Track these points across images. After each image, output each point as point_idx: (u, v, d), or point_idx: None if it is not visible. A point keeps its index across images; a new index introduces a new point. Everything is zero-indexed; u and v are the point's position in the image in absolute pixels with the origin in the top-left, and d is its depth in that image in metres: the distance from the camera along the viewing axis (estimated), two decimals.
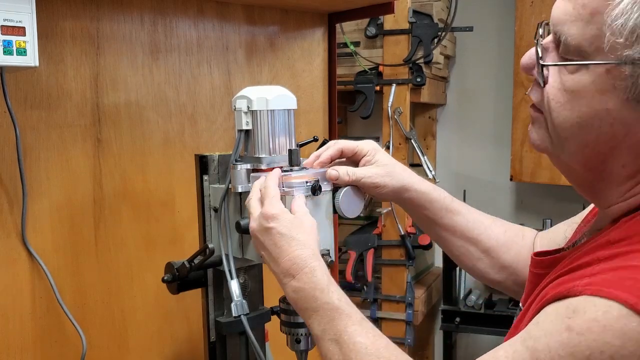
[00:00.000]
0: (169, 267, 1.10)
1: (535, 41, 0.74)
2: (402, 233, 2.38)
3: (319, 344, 0.82)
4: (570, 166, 0.75)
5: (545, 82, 0.72)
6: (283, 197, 0.94)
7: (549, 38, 0.73)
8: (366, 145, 1.02)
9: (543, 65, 0.72)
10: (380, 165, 1.01)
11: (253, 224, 0.91)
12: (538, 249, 1.02)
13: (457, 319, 2.51)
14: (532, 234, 1.08)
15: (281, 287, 0.88)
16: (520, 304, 0.92)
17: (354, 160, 1.03)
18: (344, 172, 0.99)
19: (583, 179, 0.76)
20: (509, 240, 1.06)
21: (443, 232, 1.05)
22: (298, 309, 0.85)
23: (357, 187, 1.01)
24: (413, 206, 1.04)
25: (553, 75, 0.72)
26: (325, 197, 0.99)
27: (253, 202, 0.94)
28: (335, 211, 1.00)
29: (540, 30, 0.75)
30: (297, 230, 0.87)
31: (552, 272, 0.76)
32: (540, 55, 0.73)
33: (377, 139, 2.58)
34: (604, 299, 0.60)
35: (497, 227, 1.07)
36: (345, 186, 1.00)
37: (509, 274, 1.04)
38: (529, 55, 0.75)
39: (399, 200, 1.04)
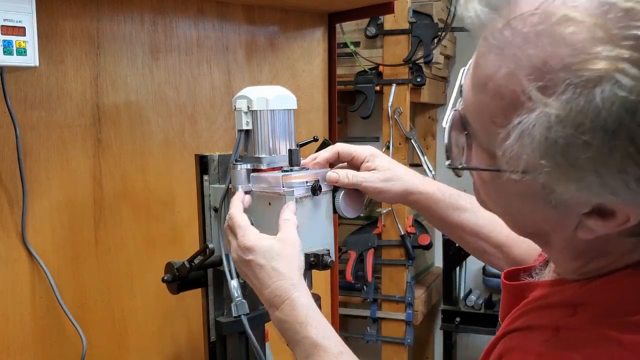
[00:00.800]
0: (169, 267, 1.10)
1: (452, 109, 0.64)
2: (402, 233, 2.38)
3: None
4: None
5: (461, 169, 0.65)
6: (282, 197, 0.94)
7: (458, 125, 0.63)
8: (364, 151, 1.02)
9: (453, 168, 0.65)
10: (381, 170, 1.00)
11: (234, 255, 0.92)
12: None
13: (457, 319, 2.51)
14: None
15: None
16: (500, 319, 0.91)
17: (353, 165, 1.03)
18: (344, 174, 0.98)
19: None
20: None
21: (454, 230, 1.05)
22: (284, 338, 0.86)
23: None
24: (420, 207, 1.04)
25: (474, 157, 0.63)
26: (325, 197, 0.99)
27: (229, 232, 0.95)
28: (335, 211, 1.00)
29: (464, 79, 0.63)
30: (276, 260, 0.87)
31: (517, 308, 0.72)
32: (457, 125, 0.63)
33: (377, 139, 2.58)
34: None
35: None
36: None
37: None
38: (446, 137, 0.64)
39: (405, 202, 1.04)
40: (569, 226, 0.59)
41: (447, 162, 0.65)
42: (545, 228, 0.63)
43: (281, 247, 0.88)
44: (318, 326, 0.83)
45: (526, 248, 1.03)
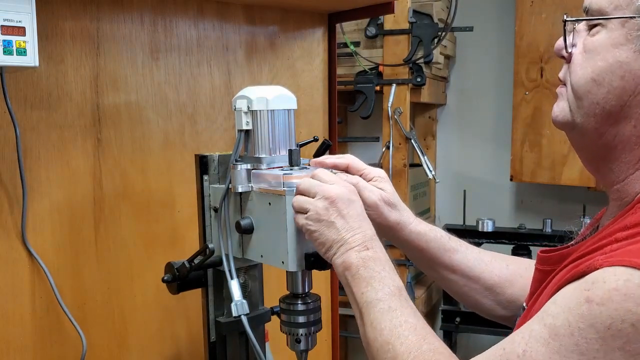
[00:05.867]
0: (169, 267, 1.10)
1: (563, 23, 0.81)
2: None
3: (365, 309, 0.82)
4: (584, 134, 0.78)
5: (570, 57, 0.79)
6: (283, 197, 0.94)
7: (581, 25, 0.80)
8: (374, 171, 1.02)
9: (566, 21, 0.80)
10: (386, 192, 1.01)
11: (338, 190, 0.88)
12: None
13: (457, 319, 2.51)
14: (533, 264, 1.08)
15: (335, 254, 0.87)
16: (524, 304, 0.92)
17: None
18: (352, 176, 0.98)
19: (596, 147, 0.78)
20: (513, 274, 1.05)
21: (443, 272, 1.05)
22: (356, 275, 0.84)
23: None
24: (411, 247, 1.04)
25: (578, 45, 0.79)
26: None
27: (313, 183, 0.92)
28: None
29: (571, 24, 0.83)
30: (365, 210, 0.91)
31: (562, 267, 0.76)
32: (569, 37, 0.81)
33: (377, 139, 2.58)
34: (624, 268, 0.61)
35: (498, 262, 1.06)
36: None
37: (517, 308, 1.01)
38: (560, 39, 0.82)
39: (392, 237, 1.03)
40: None
41: (561, 44, 0.81)
42: (624, 93, 0.73)
43: None
44: (396, 276, 0.86)
45: (520, 288, 1.03)
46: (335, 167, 1.02)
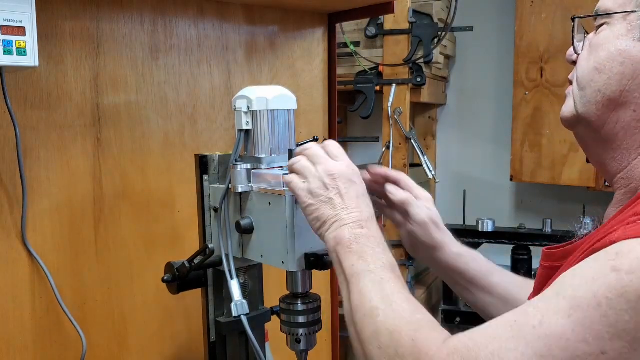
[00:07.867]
0: (169, 267, 1.10)
1: (572, 22, 0.87)
2: None
3: (354, 279, 0.80)
4: (588, 125, 0.81)
5: (577, 60, 0.84)
6: (283, 197, 0.94)
7: (590, 35, 0.85)
8: (423, 193, 1.05)
9: (574, 18, 0.86)
10: (432, 213, 1.04)
11: (341, 167, 0.88)
12: None
13: (457, 319, 2.51)
14: None
15: (329, 230, 0.86)
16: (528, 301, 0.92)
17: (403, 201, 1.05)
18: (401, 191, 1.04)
19: (600, 137, 0.80)
20: None
21: (480, 294, 1.05)
22: (348, 249, 0.83)
23: None
24: (449, 268, 1.05)
25: (585, 45, 0.84)
26: None
27: (320, 156, 0.92)
28: None
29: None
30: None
31: (567, 262, 0.76)
32: (577, 43, 0.86)
33: (377, 139, 2.58)
34: None
35: (528, 284, 1.05)
36: None
37: None
38: (570, 48, 0.87)
39: (431, 257, 1.05)
40: None
41: (572, 51, 0.86)
42: (623, 79, 0.77)
43: None
44: (390, 254, 0.85)
45: None
46: (385, 177, 1.05)
